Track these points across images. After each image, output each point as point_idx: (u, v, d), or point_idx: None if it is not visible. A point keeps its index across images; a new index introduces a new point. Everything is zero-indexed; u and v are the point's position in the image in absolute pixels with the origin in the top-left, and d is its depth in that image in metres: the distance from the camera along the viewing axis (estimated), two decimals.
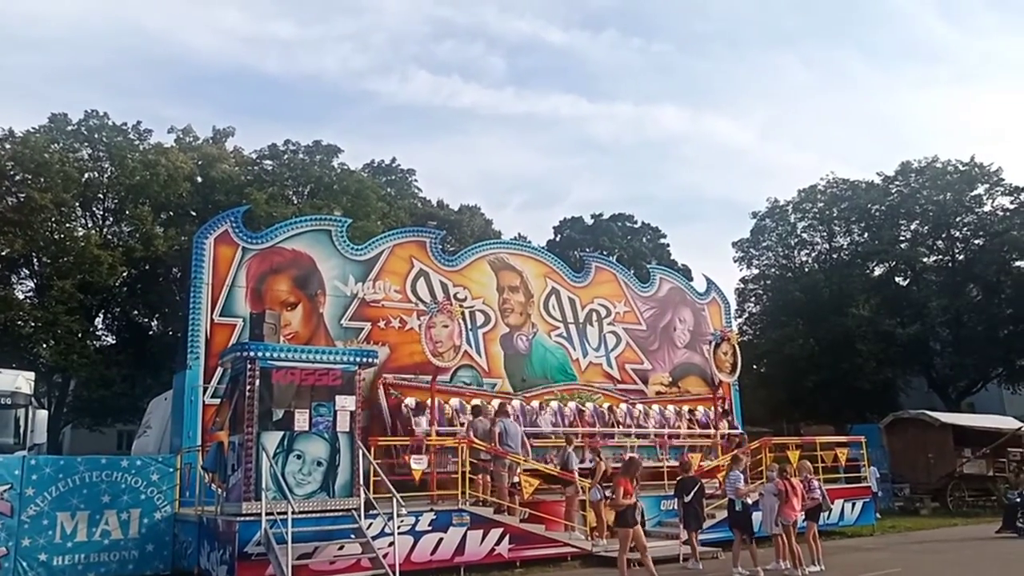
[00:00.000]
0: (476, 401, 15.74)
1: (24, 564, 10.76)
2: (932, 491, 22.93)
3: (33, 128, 28.33)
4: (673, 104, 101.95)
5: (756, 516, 12.58)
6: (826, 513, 13.59)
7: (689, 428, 18.60)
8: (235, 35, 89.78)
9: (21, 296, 28.10)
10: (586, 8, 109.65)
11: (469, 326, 16.90)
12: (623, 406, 18.06)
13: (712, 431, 18.55)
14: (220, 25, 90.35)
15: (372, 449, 12.14)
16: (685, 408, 19.09)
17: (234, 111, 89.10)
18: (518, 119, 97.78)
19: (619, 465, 12.39)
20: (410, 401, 15.15)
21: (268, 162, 34.13)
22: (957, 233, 35.11)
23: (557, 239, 46.24)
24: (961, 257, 35.18)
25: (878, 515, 18.66)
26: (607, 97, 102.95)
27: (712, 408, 19.17)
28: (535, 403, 16.83)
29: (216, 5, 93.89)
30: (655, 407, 18.63)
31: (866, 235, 36.84)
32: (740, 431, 19.44)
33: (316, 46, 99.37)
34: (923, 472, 23.21)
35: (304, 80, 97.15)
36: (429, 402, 14.85)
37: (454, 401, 15.81)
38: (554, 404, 17.05)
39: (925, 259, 36.08)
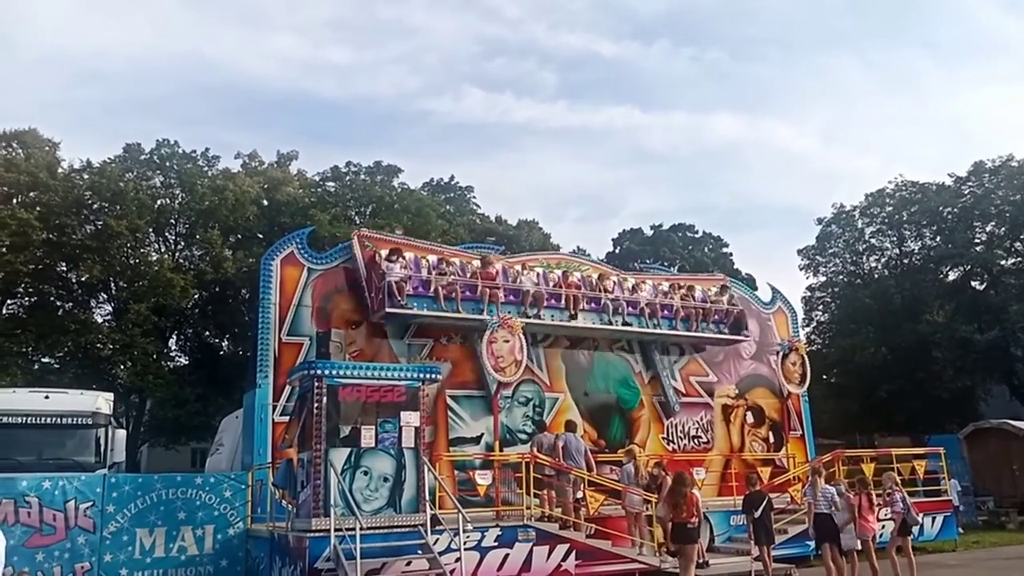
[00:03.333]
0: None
1: None
2: (1019, 504, 21.93)
3: (109, 159, 29.62)
4: (729, 111, 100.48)
5: None
6: (916, 527, 13.06)
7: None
8: (292, 61, 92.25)
9: (100, 320, 29.25)
10: (637, 19, 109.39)
11: (530, 341, 16.90)
12: (614, 277, 18.23)
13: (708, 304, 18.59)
14: (277, 52, 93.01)
15: (437, 464, 12.24)
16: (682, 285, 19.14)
17: (295, 135, 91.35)
18: (572, 132, 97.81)
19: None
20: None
21: (331, 184, 34.92)
22: None
23: (616, 251, 45.97)
24: None
25: (960, 530, 17.96)
26: (661, 107, 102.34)
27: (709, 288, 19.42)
28: (518, 266, 17.00)
29: (272, 32, 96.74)
30: (648, 281, 18.71)
31: (938, 239, 35.57)
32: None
33: (370, 69, 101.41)
34: (1008, 484, 22.25)
35: (361, 103, 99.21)
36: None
37: None
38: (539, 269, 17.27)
39: (1003, 262, 34.58)
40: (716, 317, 18.59)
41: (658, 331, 17.79)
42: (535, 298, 16.19)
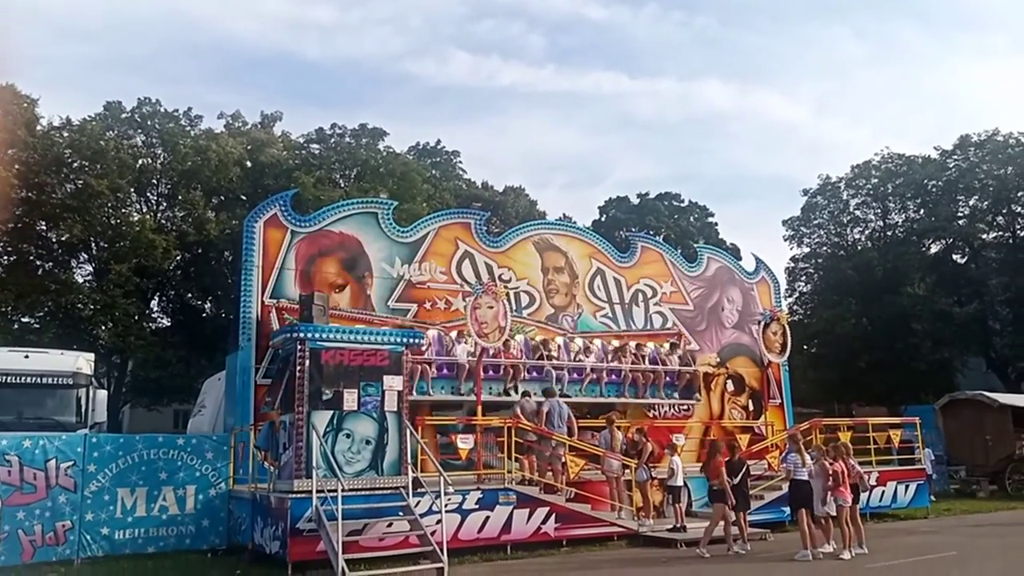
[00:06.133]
0: None
1: (88, 537, 11.21)
2: (990, 474, 22.40)
3: (89, 116, 29.10)
4: (719, 79, 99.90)
5: None
6: (865, 494, 13.43)
7: (635, 363, 17.02)
8: (276, 20, 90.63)
9: (80, 280, 28.98)
10: None
11: (514, 307, 16.87)
12: (559, 340, 16.84)
13: (660, 367, 17.25)
14: (261, 10, 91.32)
15: (419, 428, 12.30)
16: (632, 344, 17.58)
17: (278, 95, 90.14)
18: (559, 97, 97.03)
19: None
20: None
21: (315, 146, 34.58)
22: (1019, 208, 33.86)
23: (602, 219, 45.91)
24: (1023, 233, 34.03)
25: (933, 497, 18.32)
26: (650, 73, 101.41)
27: (662, 345, 18.09)
28: (453, 333, 15.56)
29: None
30: (597, 342, 17.34)
31: (922, 211, 35.81)
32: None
33: (355, 30, 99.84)
34: (980, 454, 22.67)
35: (345, 64, 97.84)
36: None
37: None
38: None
39: (984, 236, 34.92)
40: (667, 380, 17.55)
41: (603, 399, 16.69)
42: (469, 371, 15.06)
